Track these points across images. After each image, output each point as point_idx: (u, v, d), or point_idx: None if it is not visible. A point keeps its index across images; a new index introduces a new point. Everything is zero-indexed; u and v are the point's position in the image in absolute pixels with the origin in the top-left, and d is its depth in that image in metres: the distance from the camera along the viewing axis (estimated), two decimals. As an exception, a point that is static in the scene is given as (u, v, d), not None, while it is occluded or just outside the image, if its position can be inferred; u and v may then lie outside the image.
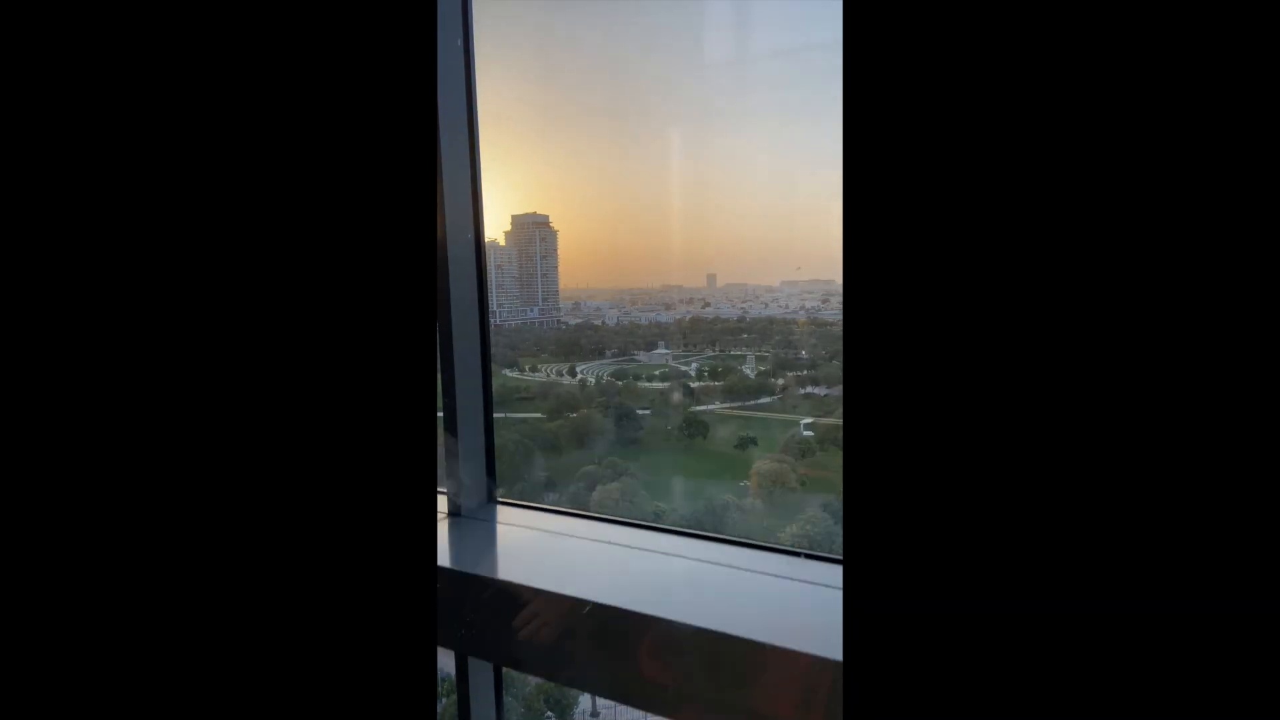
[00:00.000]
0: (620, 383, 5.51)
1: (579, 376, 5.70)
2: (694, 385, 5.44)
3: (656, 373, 5.56)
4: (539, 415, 5.06)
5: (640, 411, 5.16)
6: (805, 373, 5.38)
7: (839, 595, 0.58)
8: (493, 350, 2.69)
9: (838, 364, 4.76)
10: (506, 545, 2.00)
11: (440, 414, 2.12)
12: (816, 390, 4.70)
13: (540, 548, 1.67)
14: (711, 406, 5.34)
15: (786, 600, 1.20)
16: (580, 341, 6.14)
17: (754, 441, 4.74)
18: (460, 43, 2.60)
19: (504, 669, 2.45)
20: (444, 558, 1.84)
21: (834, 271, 4.66)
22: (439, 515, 2.43)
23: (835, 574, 1.31)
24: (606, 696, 1.23)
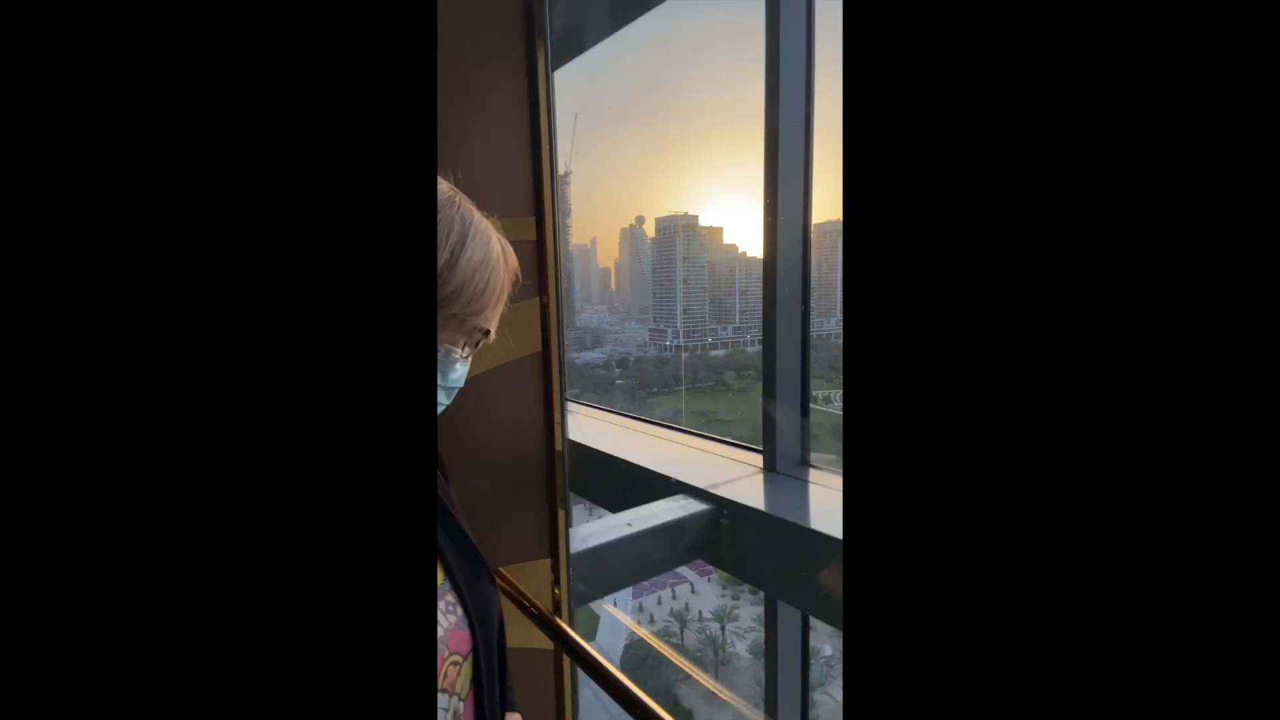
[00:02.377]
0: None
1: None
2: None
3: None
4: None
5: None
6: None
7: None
8: (812, 371, 2.99)
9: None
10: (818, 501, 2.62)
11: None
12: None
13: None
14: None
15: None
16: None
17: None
18: (804, 45, 2.83)
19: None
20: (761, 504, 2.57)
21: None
22: (758, 470, 3.01)
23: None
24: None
